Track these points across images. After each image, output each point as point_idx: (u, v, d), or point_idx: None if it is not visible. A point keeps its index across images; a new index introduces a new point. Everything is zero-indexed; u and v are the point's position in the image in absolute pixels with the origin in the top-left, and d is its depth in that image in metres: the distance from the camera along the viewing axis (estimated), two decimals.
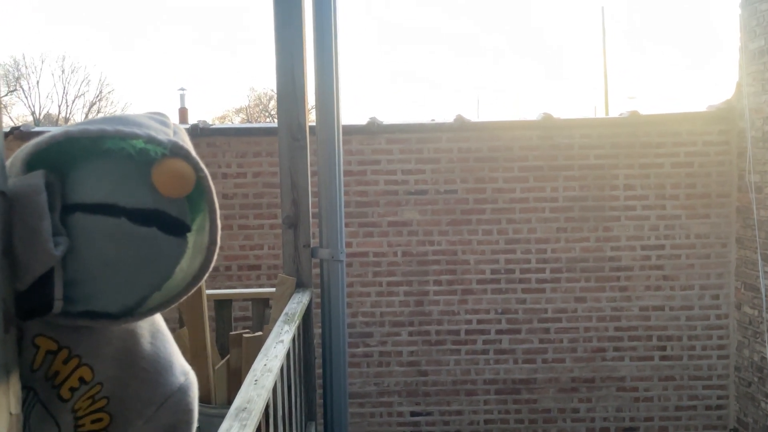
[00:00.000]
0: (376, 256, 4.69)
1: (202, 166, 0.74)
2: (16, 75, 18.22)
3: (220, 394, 3.12)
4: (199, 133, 4.57)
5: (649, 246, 4.72)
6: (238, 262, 4.66)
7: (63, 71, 19.07)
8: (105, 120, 0.73)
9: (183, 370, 0.87)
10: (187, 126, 4.66)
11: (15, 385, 0.65)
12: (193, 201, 0.77)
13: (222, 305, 3.53)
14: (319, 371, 3.62)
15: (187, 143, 0.77)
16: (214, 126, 4.87)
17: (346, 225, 3.72)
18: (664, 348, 4.77)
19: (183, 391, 0.85)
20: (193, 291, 0.80)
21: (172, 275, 0.77)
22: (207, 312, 3.24)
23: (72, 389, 0.77)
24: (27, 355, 0.74)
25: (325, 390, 3.53)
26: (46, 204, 0.66)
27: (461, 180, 4.66)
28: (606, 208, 4.72)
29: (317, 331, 3.59)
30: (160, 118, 0.78)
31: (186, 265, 0.79)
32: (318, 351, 3.64)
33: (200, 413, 2.87)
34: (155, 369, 0.83)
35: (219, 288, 4.33)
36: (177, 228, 0.74)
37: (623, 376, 4.78)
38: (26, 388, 0.74)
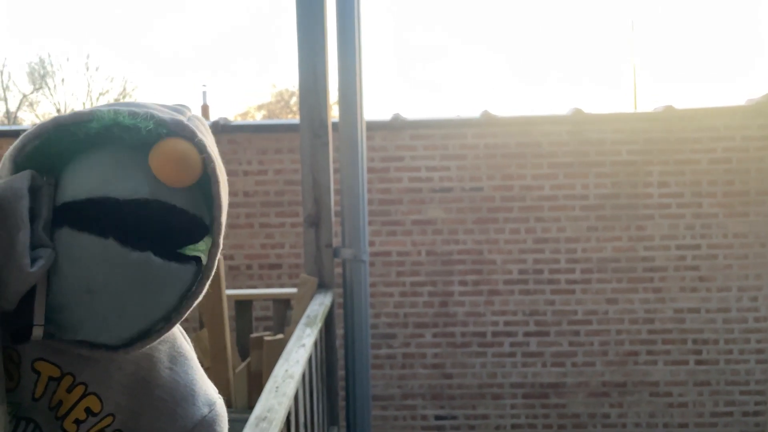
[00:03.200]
0: (400, 256, 4.57)
1: (210, 149, 0.62)
2: (42, 73, 18.42)
3: (240, 398, 3.03)
4: (220, 129, 4.48)
5: (685, 246, 4.53)
6: (259, 261, 4.57)
7: (87, 69, 19.21)
8: (107, 105, 0.62)
9: (208, 400, 0.74)
10: (209, 123, 4.57)
11: (2, 417, 0.55)
12: (209, 197, 0.65)
13: (242, 306, 3.44)
14: (341, 373, 3.52)
15: (204, 133, 0.64)
16: (235, 123, 4.79)
17: (369, 223, 3.60)
18: (699, 352, 4.58)
19: (207, 424, 0.72)
20: (198, 299, 0.66)
21: (178, 306, 0.64)
22: (227, 313, 3.15)
23: (78, 421, 0.66)
24: (27, 382, 0.63)
25: (348, 393, 3.43)
26: (26, 212, 0.55)
27: (487, 177, 4.52)
28: (639, 206, 4.54)
29: (339, 332, 3.49)
30: (176, 107, 0.66)
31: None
32: (340, 352, 3.54)
33: None
34: (173, 398, 0.70)
35: (240, 287, 4.25)
36: (188, 234, 0.62)
37: (656, 380, 4.60)
38: (27, 419, 0.64)
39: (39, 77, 18.46)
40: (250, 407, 3.00)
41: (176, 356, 0.73)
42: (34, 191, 0.57)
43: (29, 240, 0.55)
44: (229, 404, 3.05)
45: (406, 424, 4.64)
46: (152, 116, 0.59)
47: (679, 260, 4.54)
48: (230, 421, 2.57)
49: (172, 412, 0.70)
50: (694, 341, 4.57)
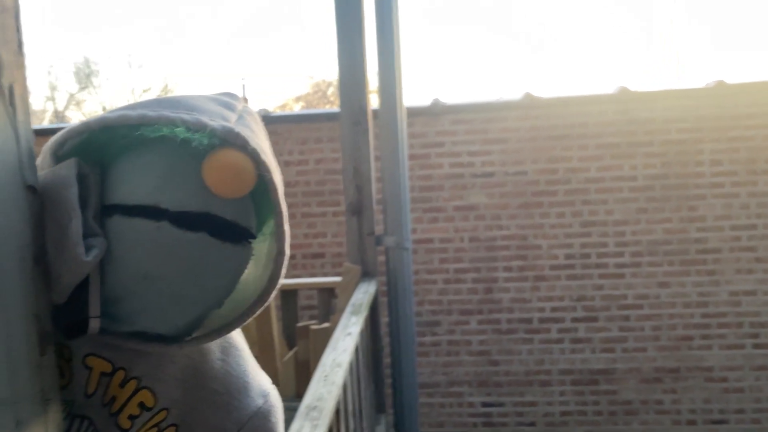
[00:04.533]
0: (442, 243, 4.52)
1: (265, 158, 0.59)
2: (87, 72, 18.93)
3: (289, 387, 3.06)
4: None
5: (740, 226, 4.36)
6: (302, 250, 4.59)
7: (130, 66, 19.66)
8: (153, 102, 0.60)
9: (262, 391, 0.73)
10: None
11: (55, 416, 0.54)
12: (260, 201, 0.63)
13: (288, 295, 3.47)
14: (386, 360, 3.52)
15: (256, 130, 0.62)
16: (274, 114, 4.81)
17: (411, 210, 3.57)
18: (756, 335, 4.41)
19: (262, 415, 0.71)
20: (261, 309, 0.65)
21: (232, 290, 0.63)
22: (273, 304, 3.18)
23: (132, 417, 0.65)
24: (79, 378, 0.62)
25: (394, 381, 3.43)
26: (77, 199, 0.54)
27: (531, 160, 4.43)
28: (690, 186, 4.38)
29: (384, 319, 3.49)
30: (225, 99, 0.64)
31: (254, 277, 0.66)
32: (385, 340, 3.53)
33: None
34: (227, 390, 0.69)
35: (284, 278, 4.28)
36: (235, 234, 0.60)
37: (711, 365, 4.45)
38: (81, 417, 0.63)
39: (84, 76, 18.97)
40: (298, 396, 3.02)
41: (228, 347, 0.71)
42: (80, 179, 0.56)
43: (81, 229, 0.53)
44: None
45: (452, 411, 4.62)
46: (203, 126, 0.57)
47: (734, 241, 4.37)
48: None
49: (226, 405, 0.69)
50: (751, 324, 4.40)
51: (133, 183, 0.57)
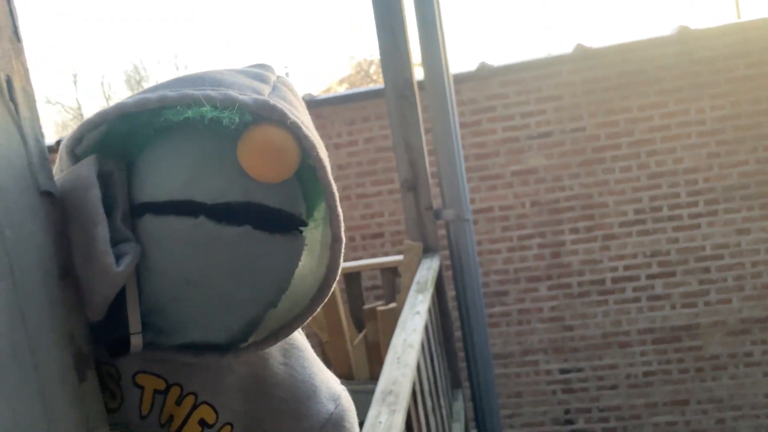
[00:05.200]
0: (503, 210, 4.39)
1: (307, 132, 0.51)
2: (138, 78, 19.43)
3: (362, 369, 3.03)
4: (306, 106, 4.46)
5: None
6: (361, 231, 4.55)
7: (177, 68, 20.06)
8: (175, 81, 0.52)
9: (332, 395, 0.66)
10: None
11: None
12: (307, 183, 0.55)
13: (351, 278, 3.43)
14: (457, 334, 3.45)
15: (294, 102, 0.54)
16: (320, 97, 4.75)
17: (467, 180, 3.45)
18: None
19: (335, 422, 0.64)
20: (322, 304, 0.58)
21: (287, 286, 0.55)
22: (338, 288, 3.15)
23: None
24: (131, 399, 0.56)
25: (467, 354, 3.36)
26: (100, 202, 0.47)
27: (589, 115, 4.22)
28: (764, 125, 4.08)
29: (450, 293, 3.41)
30: (256, 71, 0.56)
31: (309, 269, 0.58)
32: (454, 314, 3.46)
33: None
34: (294, 397, 0.63)
35: (345, 260, 4.25)
36: (283, 223, 0.53)
37: None
38: None
39: (135, 83, 19.48)
40: (372, 378, 3.00)
41: (290, 349, 0.65)
42: (103, 178, 0.49)
43: (109, 235, 0.47)
44: (350, 376, 3.07)
45: (530, 380, 4.52)
46: (231, 101, 0.49)
47: None
48: (354, 393, 2.55)
49: (295, 413, 0.62)
50: None
51: (162, 177, 0.50)
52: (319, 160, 0.52)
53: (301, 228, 0.55)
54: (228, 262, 0.50)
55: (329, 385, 0.67)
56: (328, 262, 0.57)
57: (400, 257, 3.23)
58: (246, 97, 0.49)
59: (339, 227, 0.55)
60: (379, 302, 3.26)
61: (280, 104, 0.51)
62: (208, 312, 0.52)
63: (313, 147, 0.51)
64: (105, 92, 20.10)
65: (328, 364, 3.19)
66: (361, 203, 4.52)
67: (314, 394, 0.64)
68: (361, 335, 3.05)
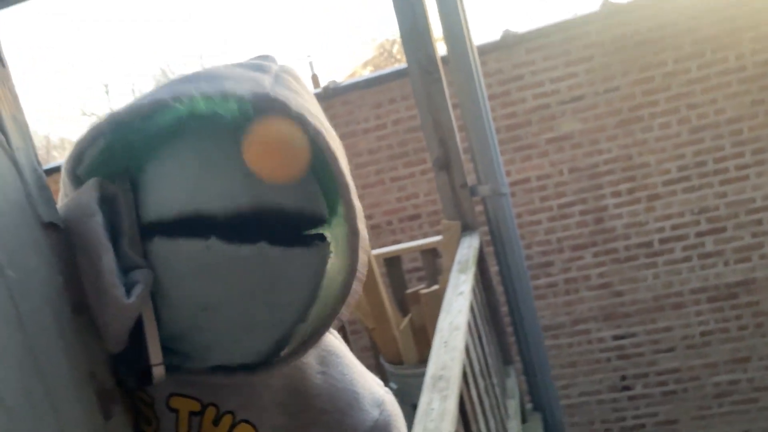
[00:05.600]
0: (540, 180, 4.29)
1: (314, 120, 0.47)
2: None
3: (410, 353, 3.01)
4: (330, 94, 4.43)
5: None
6: (398, 215, 4.52)
7: (202, 68, 20.23)
8: (170, 82, 0.48)
9: (375, 400, 0.63)
10: (319, 90, 4.54)
11: None
12: (326, 177, 0.51)
13: (392, 263, 3.41)
14: (503, 310, 3.40)
15: (299, 90, 0.50)
16: (344, 83, 4.71)
17: (501, 153, 3.37)
18: None
19: (381, 428, 0.61)
20: (346, 305, 0.54)
21: (314, 299, 0.52)
22: (379, 273, 3.13)
23: None
24: (167, 423, 0.54)
25: (515, 329, 3.31)
26: (103, 230, 0.44)
27: (622, 73, 4.06)
28: None
29: (493, 269, 3.36)
30: (256, 62, 0.52)
31: (338, 269, 0.54)
32: (498, 290, 3.41)
33: (395, 375, 2.75)
34: (336, 408, 0.60)
35: (384, 245, 4.23)
36: (302, 228, 0.49)
37: None
38: None
39: None
40: (421, 361, 2.98)
41: (327, 356, 0.61)
42: (107, 202, 0.46)
43: (116, 264, 0.44)
44: (399, 361, 3.06)
45: (582, 350, 4.44)
46: (226, 94, 0.45)
47: None
48: (405, 377, 2.55)
49: (338, 424, 0.59)
50: None
51: (166, 191, 0.46)
52: (329, 149, 0.48)
53: (323, 231, 0.51)
54: (245, 285, 0.47)
55: (372, 390, 0.63)
56: (349, 259, 0.53)
57: (439, 237, 3.19)
58: (244, 90, 0.46)
59: (355, 220, 0.51)
60: (422, 284, 3.23)
61: (283, 94, 0.47)
62: (231, 337, 0.50)
63: (321, 136, 0.47)
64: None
65: (376, 350, 3.19)
66: (395, 186, 4.48)
67: (356, 401, 0.61)
68: (406, 319, 3.03)
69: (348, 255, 0.53)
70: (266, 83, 0.48)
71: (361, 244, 0.52)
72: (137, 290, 0.44)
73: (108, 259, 0.43)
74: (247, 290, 0.47)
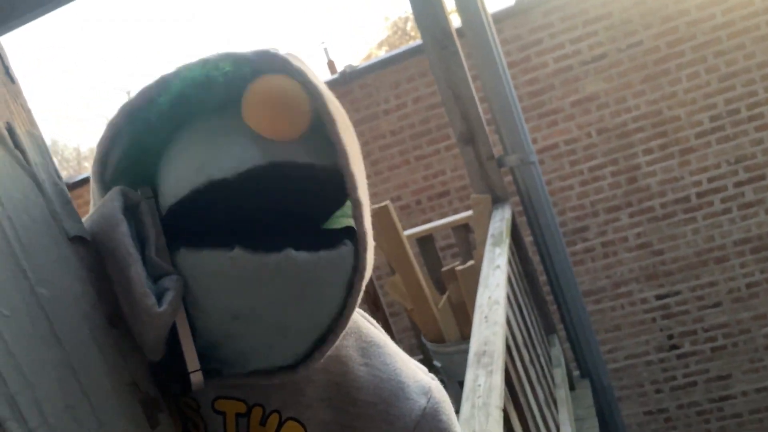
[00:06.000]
0: (568, 144, 4.21)
1: (314, 79, 0.46)
2: None
3: (451, 330, 3.01)
4: (348, 78, 4.40)
5: None
6: (426, 193, 4.49)
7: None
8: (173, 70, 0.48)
9: (421, 388, 0.61)
10: (336, 75, 4.52)
11: None
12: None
13: (424, 242, 3.39)
14: (541, 278, 3.36)
15: (302, 63, 0.49)
16: (360, 66, 4.67)
17: (525, 121, 3.31)
18: None
19: (430, 416, 0.60)
20: (363, 284, 0.52)
21: (349, 297, 0.50)
22: (411, 253, 3.12)
23: None
24: (215, 426, 0.54)
25: (555, 298, 3.27)
26: (129, 239, 0.43)
27: (643, 27, 3.94)
28: None
29: (528, 239, 3.32)
30: (258, 49, 0.52)
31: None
32: (535, 259, 3.37)
33: (438, 353, 2.74)
34: (382, 399, 0.58)
35: (415, 225, 4.22)
36: (323, 235, 0.47)
37: None
38: None
39: None
40: (463, 337, 2.97)
41: (367, 347, 0.60)
42: (132, 210, 0.45)
43: (145, 273, 0.43)
44: (441, 339, 3.05)
45: (626, 312, 4.38)
46: (227, 55, 0.45)
47: None
48: (449, 355, 2.54)
49: (385, 415, 0.58)
50: None
51: (180, 170, 0.46)
52: (327, 111, 0.46)
53: (351, 226, 0.49)
54: (274, 294, 0.46)
55: (417, 378, 0.62)
56: (356, 231, 0.50)
57: (470, 213, 3.16)
58: (246, 51, 0.45)
59: (355, 190, 0.49)
60: (457, 261, 3.21)
61: (283, 54, 0.46)
62: (266, 344, 0.49)
63: (319, 94, 0.46)
64: None
65: (417, 330, 3.19)
66: (420, 165, 4.45)
67: (402, 391, 0.60)
68: (444, 297, 3.01)
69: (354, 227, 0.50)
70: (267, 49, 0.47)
71: (365, 217, 0.50)
72: (168, 298, 0.43)
73: (136, 269, 0.43)
74: (277, 298, 0.46)
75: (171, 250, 0.46)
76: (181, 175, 0.45)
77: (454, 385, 2.97)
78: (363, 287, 0.52)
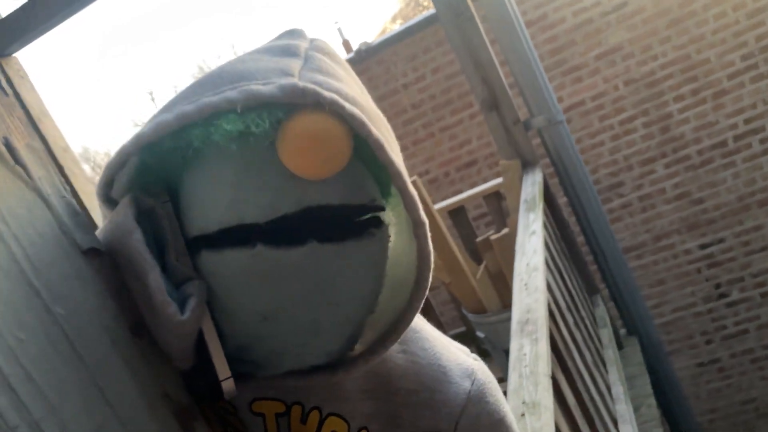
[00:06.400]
0: (595, 99, 4.09)
1: (349, 107, 0.42)
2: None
3: (492, 300, 2.98)
4: (364, 56, 4.35)
5: None
6: (454, 164, 4.43)
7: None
8: (193, 88, 0.45)
9: (465, 371, 0.59)
10: (351, 54, 4.46)
11: None
12: (370, 158, 0.46)
13: (456, 213, 3.36)
14: (580, 239, 3.30)
15: (331, 70, 0.45)
16: (375, 43, 4.61)
17: (548, 80, 3.22)
18: None
19: (476, 399, 0.57)
20: (424, 298, 0.50)
21: (380, 289, 0.48)
22: (444, 226, 3.09)
23: None
24: (256, 428, 0.52)
25: (595, 257, 3.21)
26: (145, 246, 0.42)
27: None
28: None
29: (562, 200, 3.25)
30: (283, 44, 0.48)
31: (402, 248, 0.49)
32: (571, 220, 3.31)
33: (481, 324, 2.71)
34: (424, 385, 0.56)
35: (446, 198, 4.18)
36: (350, 222, 0.45)
37: None
38: None
39: None
40: (505, 306, 2.94)
41: (404, 334, 0.58)
42: (146, 216, 0.43)
43: (165, 280, 0.41)
44: (482, 310, 3.03)
45: (669, 265, 4.28)
46: (254, 96, 0.41)
47: None
48: (492, 324, 2.49)
49: (430, 402, 0.56)
50: None
51: (205, 204, 0.43)
52: (373, 137, 0.43)
53: (381, 216, 0.47)
54: (301, 289, 0.44)
55: (459, 361, 0.60)
56: (418, 248, 0.48)
57: (500, 180, 3.11)
58: (271, 86, 0.41)
59: (416, 210, 0.46)
60: (491, 230, 3.17)
61: (314, 79, 0.43)
62: (298, 343, 0.47)
63: (362, 124, 0.42)
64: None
65: (457, 302, 3.16)
66: (445, 136, 4.39)
67: (444, 375, 0.57)
68: (481, 268, 2.98)
69: (415, 244, 0.49)
70: (295, 69, 0.44)
71: (428, 236, 0.48)
72: (191, 304, 0.41)
73: (155, 276, 0.41)
74: (305, 294, 0.44)
75: (191, 253, 0.44)
76: (209, 208, 0.43)
77: (500, 354, 2.95)
78: (421, 305, 0.50)
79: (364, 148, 0.44)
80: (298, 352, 0.48)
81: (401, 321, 0.51)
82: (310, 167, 0.41)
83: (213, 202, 0.43)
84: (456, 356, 0.60)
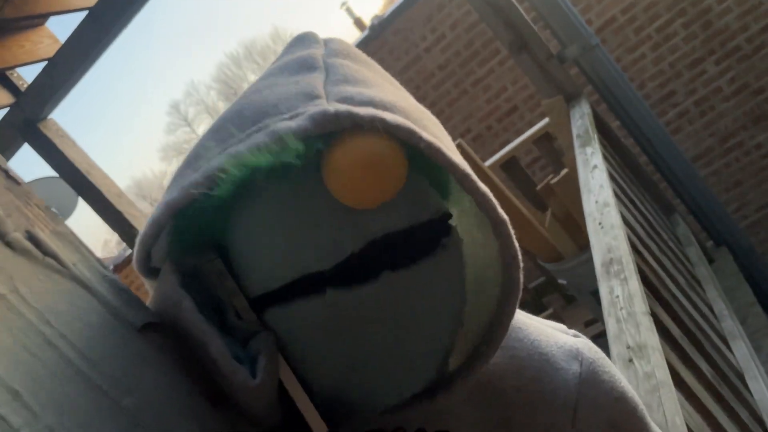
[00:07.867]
0: (626, 12, 3.87)
1: (390, 117, 0.37)
2: (233, 91, 20.23)
3: (566, 246, 2.88)
4: (379, 31, 4.25)
5: None
6: (495, 116, 4.31)
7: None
8: (212, 134, 0.41)
9: (569, 352, 0.53)
10: (366, 32, 4.38)
11: None
12: (425, 165, 0.42)
13: (509, 165, 3.26)
14: (642, 159, 3.15)
15: (356, 71, 0.41)
16: (387, 14, 4.50)
17: (573, 4, 3.04)
18: None
19: (590, 380, 0.52)
20: (518, 299, 0.46)
21: (464, 298, 0.44)
22: (499, 181, 3.00)
23: None
24: None
25: (663, 175, 3.06)
26: (198, 314, 0.38)
27: None
28: None
29: (615, 123, 3.11)
30: (299, 57, 0.43)
31: (473, 245, 0.46)
32: (629, 142, 3.16)
33: (560, 271, 2.61)
34: (530, 379, 0.52)
35: (494, 152, 4.07)
36: (421, 242, 0.41)
37: None
38: None
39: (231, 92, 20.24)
40: (580, 248, 2.84)
41: None
42: (193, 279, 0.40)
43: (227, 346, 0.38)
44: (559, 257, 2.94)
45: (741, 165, 4.04)
46: (283, 137, 0.36)
47: None
48: (572, 269, 2.41)
49: (539, 395, 0.51)
50: None
51: (260, 262, 0.39)
52: (425, 143, 0.38)
53: (449, 218, 0.42)
54: (384, 326, 0.40)
55: (560, 343, 0.54)
56: (502, 250, 0.44)
57: (546, 120, 3.00)
58: (299, 119, 0.37)
59: (494, 209, 0.42)
60: (548, 174, 3.07)
61: (344, 95, 0.38)
62: (392, 380, 0.43)
63: (410, 134, 0.37)
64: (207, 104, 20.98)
65: (530, 254, 3.08)
66: (479, 90, 4.26)
67: (549, 363, 0.52)
68: (548, 215, 2.89)
69: (498, 243, 0.44)
70: (318, 87, 0.39)
71: (512, 235, 0.44)
72: (261, 365, 0.38)
73: (216, 345, 0.37)
74: (389, 330, 0.40)
75: (256, 310, 0.40)
76: (265, 265, 0.39)
77: (587, 296, 2.86)
78: (515, 308, 0.46)
79: (415, 155, 0.39)
80: (394, 389, 0.43)
81: (497, 327, 0.46)
82: (367, 198, 0.37)
83: (268, 257, 0.39)
84: (555, 338, 0.54)
